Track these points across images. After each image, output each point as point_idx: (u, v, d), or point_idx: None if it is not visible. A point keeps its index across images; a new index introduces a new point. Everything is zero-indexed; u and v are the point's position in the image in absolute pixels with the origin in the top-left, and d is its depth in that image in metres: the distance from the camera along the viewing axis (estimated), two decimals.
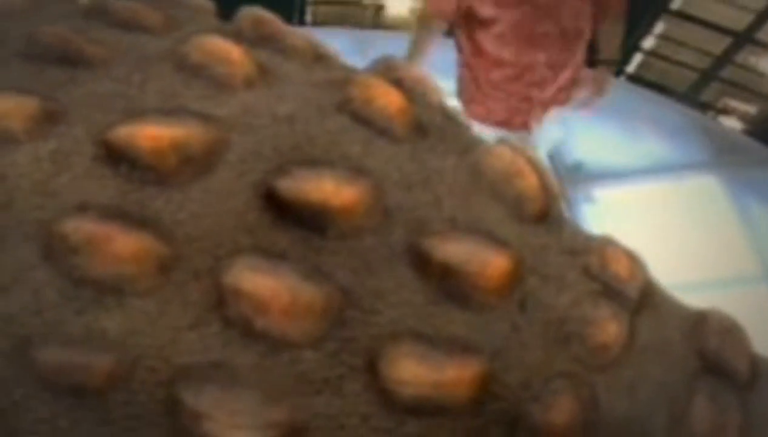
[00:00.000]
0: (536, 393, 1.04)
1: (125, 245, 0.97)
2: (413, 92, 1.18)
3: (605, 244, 1.14)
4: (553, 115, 2.81)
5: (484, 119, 2.85)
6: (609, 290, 1.10)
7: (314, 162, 1.05)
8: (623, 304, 1.10)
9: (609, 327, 1.07)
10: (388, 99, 1.13)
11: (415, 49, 2.81)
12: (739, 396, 1.14)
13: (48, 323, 0.97)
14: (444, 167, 1.11)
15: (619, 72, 2.85)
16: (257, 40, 1.26)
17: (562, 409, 1.04)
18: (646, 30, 4.99)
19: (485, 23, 2.63)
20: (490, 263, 1.03)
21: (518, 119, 2.81)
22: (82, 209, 0.99)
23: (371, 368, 0.99)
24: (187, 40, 1.16)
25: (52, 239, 0.98)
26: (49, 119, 1.05)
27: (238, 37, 1.21)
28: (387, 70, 1.23)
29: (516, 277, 1.05)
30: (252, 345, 0.98)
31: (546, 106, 2.84)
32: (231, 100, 1.10)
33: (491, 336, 1.03)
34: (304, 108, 1.12)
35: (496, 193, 1.11)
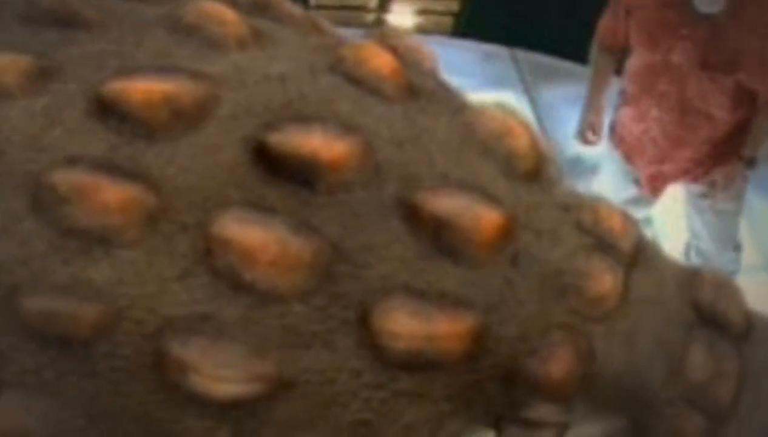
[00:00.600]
0: (533, 346, 1.04)
1: (113, 195, 0.97)
2: (406, 58, 1.18)
3: (597, 201, 1.14)
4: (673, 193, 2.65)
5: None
6: (602, 244, 1.10)
7: (305, 118, 1.04)
8: (617, 258, 1.10)
9: (604, 279, 1.07)
10: (380, 61, 1.13)
11: (594, 84, 2.71)
12: (735, 346, 1.15)
13: (35, 273, 0.96)
14: (435, 125, 1.10)
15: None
16: (253, 8, 1.26)
17: (559, 362, 1.05)
18: None
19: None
20: (483, 217, 1.02)
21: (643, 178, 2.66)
22: (72, 161, 0.99)
23: (363, 322, 0.99)
24: (183, 5, 1.16)
25: (41, 190, 0.98)
26: (44, 75, 1.06)
27: (233, 4, 1.21)
28: (381, 38, 1.23)
29: (509, 232, 1.04)
30: (239, 297, 0.97)
31: (665, 179, 2.64)
32: (223, 59, 1.10)
33: (484, 290, 1.03)
34: (297, 68, 1.11)
35: (488, 151, 1.10)
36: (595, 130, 2.65)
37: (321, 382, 0.99)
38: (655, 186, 2.58)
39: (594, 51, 2.62)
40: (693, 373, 1.11)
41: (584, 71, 2.87)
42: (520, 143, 1.11)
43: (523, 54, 3.93)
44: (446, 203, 1.02)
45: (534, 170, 1.11)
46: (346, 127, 1.04)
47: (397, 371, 1.00)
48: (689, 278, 1.18)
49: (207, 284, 0.97)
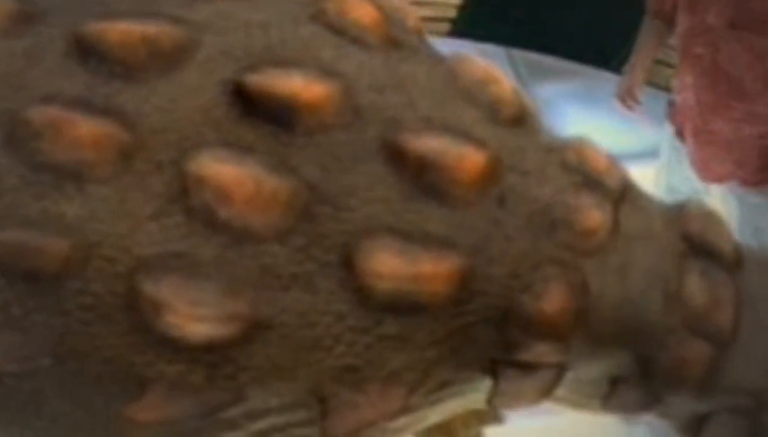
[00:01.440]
0: (526, 281, 1.02)
1: (86, 130, 0.95)
2: (390, 14, 1.17)
3: (581, 142, 1.13)
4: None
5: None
6: (589, 182, 1.08)
7: (285, 63, 1.03)
8: (605, 194, 1.08)
9: (593, 214, 1.05)
10: (362, 11, 1.11)
11: (639, 48, 2.70)
12: (729, 274, 1.14)
13: (6, 206, 0.94)
14: (417, 73, 1.09)
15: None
16: None
17: (553, 297, 1.02)
18: None
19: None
20: (467, 156, 1.00)
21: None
22: (48, 99, 0.98)
23: (346, 264, 0.97)
24: None
25: (16, 126, 0.96)
26: (26, 19, 1.05)
27: None
28: None
29: (493, 173, 1.02)
30: (214, 236, 0.95)
31: (709, 162, 2.54)
32: (206, 7, 1.09)
33: (470, 231, 1.01)
34: (279, 17, 1.10)
35: (471, 97, 1.09)
36: (631, 95, 2.62)
37: (301, 325, 0.97)
38: (702, 168, 2.50)
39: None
40: (691, 300, 1.10)
41: (580, 69, 2.85)
42: (503, 89, 1.10)
43: (518, 53, 3.94)
44: (429, 143, 1.00)
45: (517, 116, 1.09)
46: (326, 71, 1.03)
47: (382, 315, 0.98)
48: (676, 213, 1.17)
49: (181, 224, 0.95)
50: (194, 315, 0.93)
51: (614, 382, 1.13)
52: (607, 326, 1.07)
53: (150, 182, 0.95)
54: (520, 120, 1.10)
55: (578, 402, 1.21)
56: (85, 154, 0.95)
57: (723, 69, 2.30)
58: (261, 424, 1.04)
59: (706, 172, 2.46)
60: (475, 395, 1.12)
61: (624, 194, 1.12)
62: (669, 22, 2.54)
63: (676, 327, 1.09)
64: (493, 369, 1.06)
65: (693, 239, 1.13)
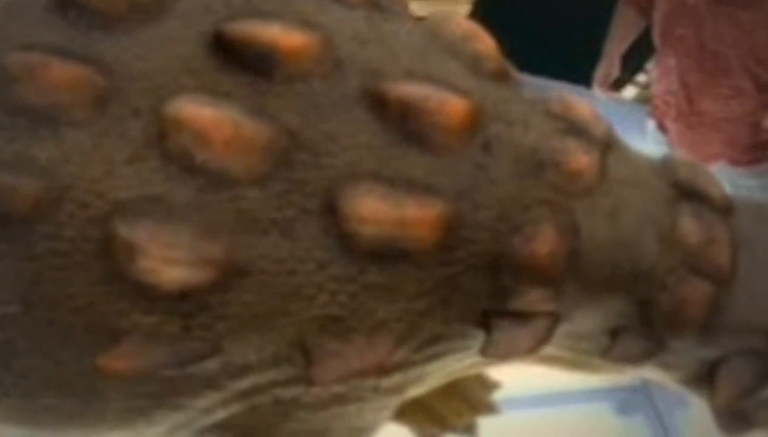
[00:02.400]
0: (515, 224, 1.00)
1: (62, 74, 0.94)
2: None
3: (564, 94, 1.11)
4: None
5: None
6: (575, 129, 1.07)
7: (264, 14, 1.02)
8: (590, 140, 1.07)
9: (580, 156, 1.04)
10: None
11: (612, 36, 2.71)
12: (722, 217, 1.13)
13: None
14: (399, 30, 1.08)
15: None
16: None
17: (544, 238, 1.00)
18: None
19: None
20: (449, 101, 0.99)
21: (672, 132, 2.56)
22: (26, 48, 0.97)
23: (328, 211, 0.94)
24: None
25: None
26: None
27: None
28: None
29: (477, 121, 1.00)
30: (191, 180, 0.92)
31: (697, 146, 2.53)
32: None
33: (454, 178, 0.98)
34: None
35: (454, 52, 1.07)
36: (608, 80, 2.63)
37: (280, 272, 0.94)
38: (690, 150, 2.48)
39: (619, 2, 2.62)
40: (686, 239, 1.08)
41: (555, 85, 2.85)
42: (486, 45, 1.09)
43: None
44: (412, 90, 0.99)
45: (500, 71, 1.08)
46: (307, 23, 1.02)
47: (367, 263, 0.95)
48: (662, 163, 1.17)
49: (158, 168, 0.93)
50: (169, 259, 0.90)
51: (614, 334, 1.11)
52: (600, 270, 1.04)
53: (126, 127, 0.93)
54: (503, 75, 1.09)
55: (576, 362, 1.18)
56: (61, 97, 0.93)
57: (708, 47, 2.30)
58: (243, 383, 1.01)
59: (694, 154, 2.45)
60: (470, 352, 1.09)
61: (610, 144, 1.11)
62: (642, 10, 2.56)
63: (674, 267, 1.07)
64: (485, 320, 1.03)
65: (682, 186, 1.13)
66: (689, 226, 1.09)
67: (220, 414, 1.05)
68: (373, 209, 0.94)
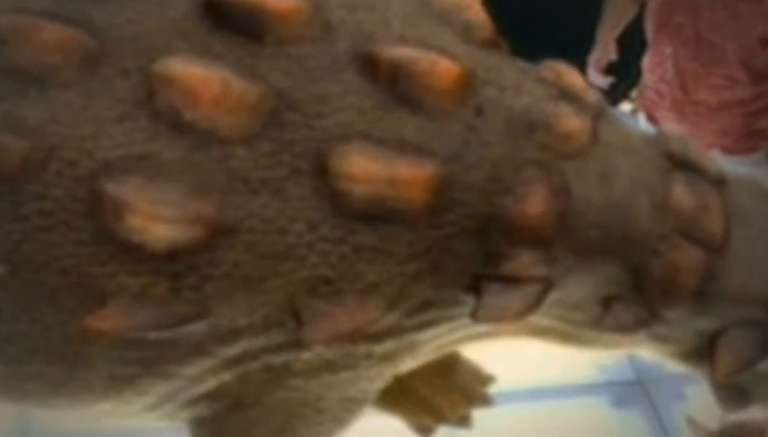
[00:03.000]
0: (506, 185, 0.99)
1: (52, 35, 0.93)
2: None
3: (556, 64, 1.11)
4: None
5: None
6: (566, 95, 1.07)
7: None
8: (582, 106, 1.06)
9: (571, 119, 1.03)
10: None
11: (604, 23, 2.72)
12: (715, 188, 1.12)
13: None
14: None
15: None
16: None
17: (535, 198, 0.99)
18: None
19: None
20: (440, 63, 0.98)
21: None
22: (18, 11, 0.96)
23: (319, 171, 0.94)
24: None
25: None
26: None
27: None
28: None
29: (468, 84, 1.00)
30: (180, 139, 0.92)
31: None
32: None
33: (446, 139, 0.98)
34: None
35: (445, 21, 1.07)
36: (601, 65, 2.63)
37: (269, 231, 0.93)
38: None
39: None
40: (679, 206, 1.08)
41: None
42: (477, 15, 1.10)
43: None
44: (403, 52, 0.99)
45: (491, 39, 1.08)
46: None
47: (357, 224, 0.95)
48: (655, 135, 1.16)
49: (146, 127, 0.92)
50: (157, 215, 0.89)
51: (606, 303, 1.10)
52: (592, 233, 1.04)
53: (115, 88, 0.93)
54: (494, 43, 1.09)
55: (569, 335, 1.17)
56: (50, 58, 0.93)
57: (705, 37, 2.31)
58: (232, 349, 1.00)
59: None
60: (461, 322, 1.08)
61: (602, 112, 1.10)
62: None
63: (667, 234, 1.07)
64: (475, 285, 1.02)
65: (675, 157, 1.12)
66: (682, 193, 1.09)
67: (210, 383, 1.04)
68: (364, 168, 0.93)
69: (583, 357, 2.19)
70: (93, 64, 0.93)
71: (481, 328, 1.12)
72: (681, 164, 1.11)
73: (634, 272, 1.07)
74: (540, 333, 1.17)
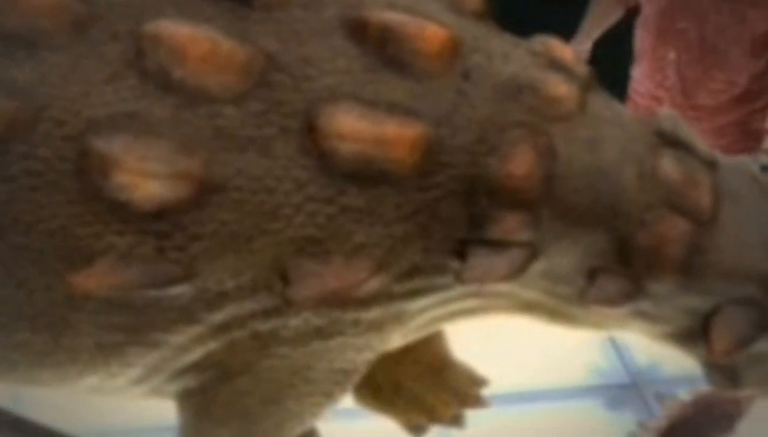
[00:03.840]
0: (492, 145, 1.00)
1: (40, 0, 0.95)
2: None
3: (548, 37, 1.12)
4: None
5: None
6: (555, 65, 1.07)
7: None
8: (570, 75, 1.07)
9: (559, 85, 1.04)
10: None
11: (589, 19, 2.71)
12: (704, 166, 1.11)
13: None
14: None
15: None
16: None
17: (520, 158, 1.00)
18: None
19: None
20: (429, 27, 1.00)
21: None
22: None
23: (307, 130, 0.95)
24: None
25: None
26: None
27: None
28: None
29: (457, 49, 1.01)
30: (168, 97, 0.93)
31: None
32: None
33: (434, 102, 0.99)
34: None
35: None
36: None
37: (257, 190, 0.94)
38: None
39: None
40: (668, 178, 1.08)
41: None
42: None
43: None
44: (392, 16, 1.00)
45: (480, 11, 1.10)
46: None
47: (345, 184, 0.96)
48: (646, 115, 1.17)
49: (135, 86, 0.93)
50: (144, 171, 0.90)
51: (591, 274, 1.09)
52: (578, 198, 1.04)
53: (105, 50, 0.94)
54: (483, 15, 1.10)
55: (555, 311, 1.16)
56: (40, 22, 0.94)
57: (709, 42, 2.30)
58: (219, 315, 1.00)
59: None
60: (449, 294, 1.08)
61: (591, 84, 1.11)
62: (623, 2, 2.56)
63: (654, 205, 1.07)
64: (462, 251, 1.03)
65: (665, 134, 1.12)
66: (671, 167, 1.09)
67: (197, 352, 1.03)
68: (352, 127, 0.94)
69: (578, 360, 2.20)
70: (83, 28, 0.95)
71: (469, 303, 1.12)
72: (671, 142, 1.11)
73: (619, 242, 1.07)
74: (528, 308, 1.16)
